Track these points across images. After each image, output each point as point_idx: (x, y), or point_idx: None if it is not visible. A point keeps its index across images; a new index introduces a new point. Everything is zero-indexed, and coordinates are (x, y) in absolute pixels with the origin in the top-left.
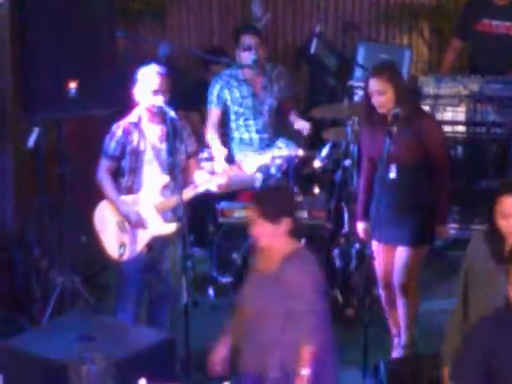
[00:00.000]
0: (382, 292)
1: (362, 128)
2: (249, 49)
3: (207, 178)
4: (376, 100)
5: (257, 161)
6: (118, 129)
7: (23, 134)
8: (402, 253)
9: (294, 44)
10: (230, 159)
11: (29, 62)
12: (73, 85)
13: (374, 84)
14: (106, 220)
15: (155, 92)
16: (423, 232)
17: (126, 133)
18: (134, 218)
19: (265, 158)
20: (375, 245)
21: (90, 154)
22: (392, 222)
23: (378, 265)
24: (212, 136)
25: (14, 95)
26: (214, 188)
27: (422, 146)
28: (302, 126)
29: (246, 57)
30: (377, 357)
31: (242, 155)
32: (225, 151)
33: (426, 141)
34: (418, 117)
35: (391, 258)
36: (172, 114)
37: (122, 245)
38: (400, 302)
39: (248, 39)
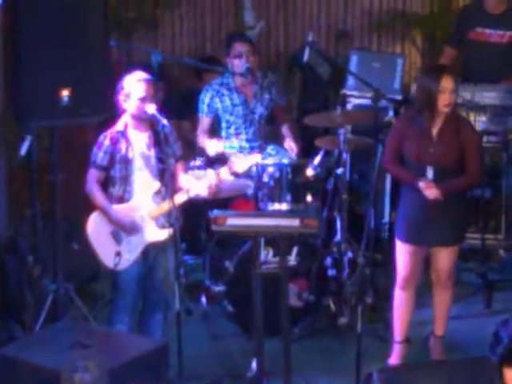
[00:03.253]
0: (400, 293)
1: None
2: (239, 56)
3: (193, 182)
4: (448, 97)
5: (248, 161)
6: (106, 139)
7: (15, 142)
8: (445, 252)
9: (286, 52)
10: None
11: (21, 69)
12: (65, 93)
13: (451, 81)
14: (99, 231)
15: (142, 99)
16: (461, 230)
17: (114, 142)
18: (127, 225)
19: (255, 157)
20: (406, 246)
21: (82, 161)
22: (431, 223)
23: (405, 266)
24: (203, 138)
25: (6, 103)
26: (203, 192)
27: (460, 146)
28: (289, 147)
29: (238, 64)
30: (369, 366)
31: (233, 156)
32: (220, 145)
33: (465, 142)
34: (457, 119)
35: (420, 259)
36: (164, 121)
37: (118, 254)
38: (446, 296)
39: (239, 47)
